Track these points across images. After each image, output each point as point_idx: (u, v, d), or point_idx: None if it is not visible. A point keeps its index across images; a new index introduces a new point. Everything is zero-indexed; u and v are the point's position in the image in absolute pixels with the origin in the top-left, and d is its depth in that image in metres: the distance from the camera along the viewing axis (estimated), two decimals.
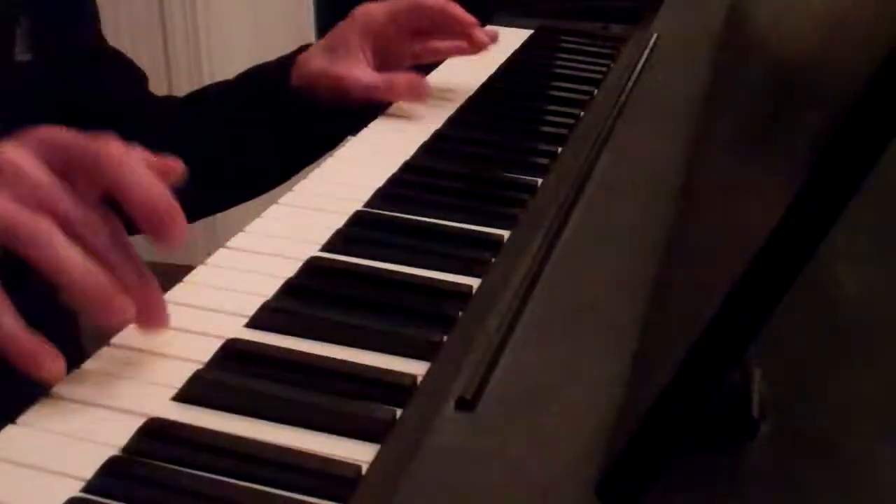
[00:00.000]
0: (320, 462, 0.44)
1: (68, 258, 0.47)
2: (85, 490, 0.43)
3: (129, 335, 0.52)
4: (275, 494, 0.43)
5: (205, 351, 0.52)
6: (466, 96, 0.92)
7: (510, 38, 1.09)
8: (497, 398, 0.47)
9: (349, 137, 0.85)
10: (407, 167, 0.76)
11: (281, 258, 0.62)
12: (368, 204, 0.70)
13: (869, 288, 0.52)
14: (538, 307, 0.55)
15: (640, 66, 0.93)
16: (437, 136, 0.83)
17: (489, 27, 0.98)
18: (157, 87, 0.98)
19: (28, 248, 0.46)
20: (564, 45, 1.09)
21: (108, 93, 0.88)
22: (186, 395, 0.49)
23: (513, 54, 1.05)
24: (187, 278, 0.59)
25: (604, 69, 0.99)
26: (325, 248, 0.63)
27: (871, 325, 0.50)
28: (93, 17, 0.88)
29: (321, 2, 2.22)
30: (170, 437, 0.46)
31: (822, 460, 0.41)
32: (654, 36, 1.00)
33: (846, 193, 0.31)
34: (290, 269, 0.60)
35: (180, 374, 0.50)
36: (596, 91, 0.93)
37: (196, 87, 1.02)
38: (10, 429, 0.46)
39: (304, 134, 0.90)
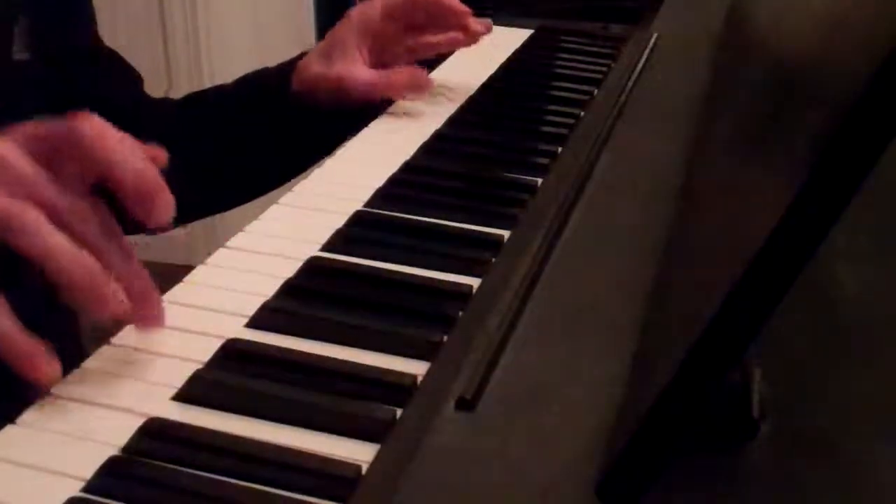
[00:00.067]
0: (320, 462, 0.44)
1: (56, 245, 0.46)
2: (85, 490, 0.43)
3: (129, 334, 0.52)
4: (275, 494, 0.43)
5: (205, 351, 0.52)
6: (466, 96, 0.92)
7: (510, 38, 1.09)
8: (497, 398, 0.47)
9: (349, 137, 0.85)
10: (407, 167, 0.76)
11: (281, 258, 0.62)
12: (368, 204, 0.70)
13: (869, 288, 0.52)
14: (538, 307, 0.55)
15: (640, 66, 0.93)
16: (437, 136, 0.83)
17: (484, 19, 0.98)
18: (157, 87, 0.98)
19: (16, 237, 0.46)
20: (564, 45, 1.09)
21: (105, 93, 0.88)
22: (186, 395, 0.49)
23: (513, 54, 1.05)
24: (187, 278, 0.59)
25: (604, 69, 0.99)
26: (325, 248, 0.63)
27: (871, 325, 0.50)
28: (90, 18, 0.88)
29: (321, 2, 2.22)
30: (170, 437, 0.46)
31: (822, 460, 0.41)
32: (654, 36, 1.00)
33: (846, 193, 0.31)
34: (290, 269, 0.60)
35: (180, 374, 0.50)
36: (596, 91, 0.93)
37: (196, 87, 1.02)
38: (10, 429, 0.46)
39: (304, 138, 0.90)
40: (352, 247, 0.63)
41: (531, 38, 1.12)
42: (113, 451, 0.45)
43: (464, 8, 0.92)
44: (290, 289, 0.58)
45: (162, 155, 0.51)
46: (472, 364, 0.49)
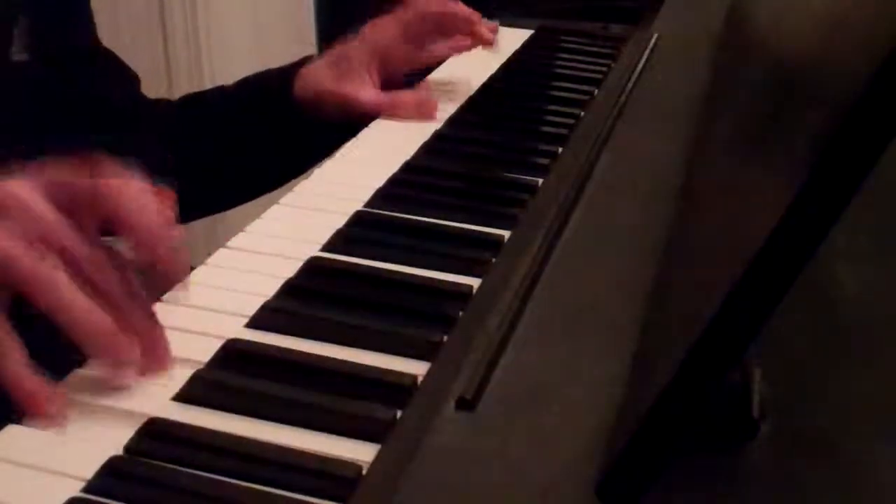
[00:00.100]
0: (320, 462, 0.44)
1: (73, 301, 0.47)
2: (85, 490, 0.43)
3: None
4: (275, 494, 0.43)
5: (205, 351, 0.52)
6: (467, 96, 0.92)
7: (510, 38, 1.09)
8: (497, 398, 0.47)
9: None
10: (407, 167, 0.76)
11: (281, 258, 0.62)
12: (369, 204, 0.70)
13: (869, 288, 0.52)
14: (538, 307, 0.55)
15: (640, 66, 0.93)
16: (438, 136, 0.83)
17: (490, 24, 0.98)
18: (157, 87, 0.98)
19: (31, 289, 0.47)
20: (565, 45, 1.09)
21: (103, 94, 0.88)
22: (186, 395, 0.49)
23: (513, 54, 1.05)
24: (187, 278, 0.59)
25: (604, 69, 0.99)
26: (325, 248, 0.63)
27: (871, 325, 0.50)
28: (88, 18, 0.88)
29: (321, 2, 2.21)
30: (170, 437, 0.46)
31: (822, 460, 0.41)
32: (655, 36, 1.00)
33: (846, 193, 0.31)
34: (290, 269, 0.60)
35: (180, 374, 0.50)
36: (596, 91, 0.93)
37: (196, 87, 1.02)
38: (10, 429, 0.46)
39: (303, 141, 0.90)
40: (352, 247, 0.63)
41: (531, 38, 1.12)
42: (113, 451, 0.45)
43: (474, 15, 0.92)
44: (290, 289, 0.58)
45: (171, 197, 0.52)
46: (472, 364, 0.49)
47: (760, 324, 0.33)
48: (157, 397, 0.49)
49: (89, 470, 0.43)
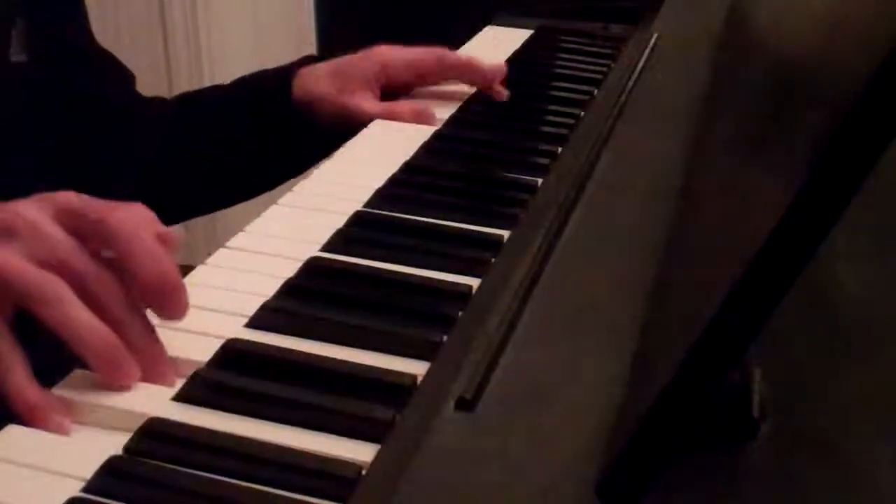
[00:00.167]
0: (320, 462, 0.44)
1: (78, 318, 0.47)
2: (85, 490, 0.42)
3: None
4: (275, 494, 0.43)
5: (205, 351, 0.52)
6: (466, 96, 0.92)
7: (510, 38, 1.09)
8: (497, 398, 0.47)
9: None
10: (407, 167, 0.76)
11: (281, 258, 0.62)
12: (368, 204, 0.70)
13: (869, 288, 0.52)
14: (538, 307, 0.55)
15: (640, 66, 0.93)
16: (438, 136, 0.83)
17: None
18: (158, 86, 0.98)
19: (39, 307, 0.47)
20: (564, 45, 1.09)
21: (101, 93, 0.88)
22: (186, 395, 0.49)
23: (513, 54, 1.05)
24: (187, 278, 0.59)
25: (604, 69, 0.99)
26: (325, 248, 0.63)
27: (871, 325, 0.50)
28: (84, 17, 0.88)
29: (321, 2, 2.22)
30: (170, 437, 0.46)
31: (822, 460, 0.41)
32: (654, 36, 1.00)
33: (846, 193, 0.31)
34: (290, 269, 0.60)
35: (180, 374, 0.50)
36: (596, 91, 0.93)
37: (196, 87, 1.02)
38: (10, 429, 0.46)
39: (300, 142, 0.90)
40: (352, 247, 0.63)
41: (531, 38, 1.12)
42: (113, 451, 0.45)
43: (495, 73, 0.91)
44: (290, 289, 0.58)
45: (176, 237, 0.52)
46: (472, 364, 0.49)
47: (760, 324, 0.33)
48: (157, 397, 0.49)
49: (89, 470, 0.43)
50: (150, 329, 0.50)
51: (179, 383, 0.50)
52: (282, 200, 0.71)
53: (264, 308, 0.56)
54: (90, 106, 0.87)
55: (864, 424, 0.43)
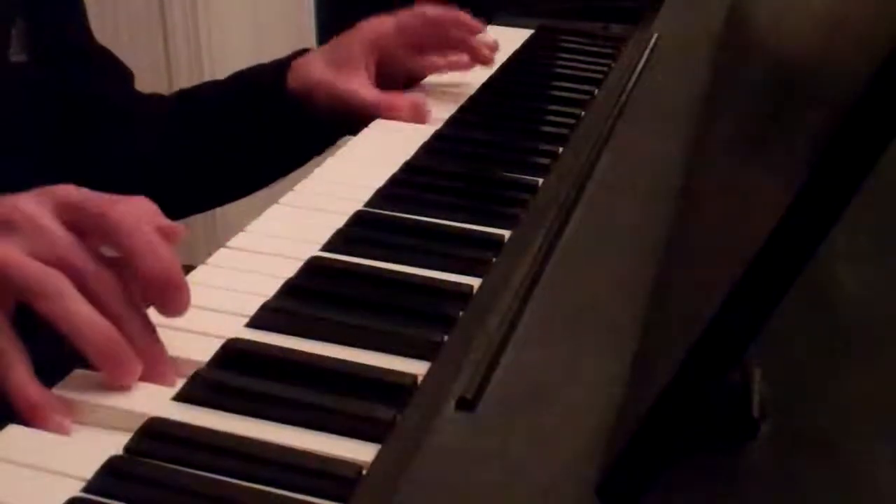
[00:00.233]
0: (320, 462, 0.44)
1: (79, 313, 0.47)
2: (85, 490, 0.42)
3: None
4: (275, 494, 0.43)
5: (205, 351, 0.52)
6: (467, 96, 0.92)
7: (510, 38, 1.09)
8: (497, 398, 0.47)
9: (349, 137, 0.85)
10: (407, 167, 0.76)
11: (281, 258, 0.62)
12: (369, 204, 0.70)
13: (869, 288, 0.52)
14: (538, 307, 0.55)
15: (640, 66, 0.93)
16: (438, 136, 0.83)
17: (488, 35, 0.98)
18: (158, 86, 0.98)
19: (40, 302, 0.47)
20: (565, 45, 1.09)
21: (100, 91, 0.88)
22: (186, 395, 0.49)
23: (513, 54, 1.05)
24: (188, 278, 0.59)
25: (604, 69, 0.99)
26: (325, 248, 0.63)
27: (871, 325, 0.50)
28: (83, 16, 0.88)
29: (321, 2, 2.21)
30: (170, 437, 0.46)
31: (822, 460, 0.41)
32: (655, 36, 1.00)
33: (846, 193, 0.31)
34: (290, 269, 0.60)
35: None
36: (596, 91, 0.93)
37: None
38: (10, 429, 0.46)
39: (298, 134, 0.90)
40: (352, 247, 0.63)
41: (531, 38, 1.12)
42: (113, 451, 0.45)
43: (473, 22, 0.92)
44: (290, 289, 0.58)
45: (180, 231, 0.52)
46: (472, 364, 0.49)
47: (760, 324, 0.33)
48: (157, 397, 0.49)
49: (89, 470, 0.43)
50: (151, 328, 0.50)
51: (180, 383, 0.50)
52: (282, 200, 0.71)
53: (265, 308, 0.56)
54: (89, 105, 0.87)
55: (864, 424, 0.43)
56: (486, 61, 0.95)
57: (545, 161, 0.77)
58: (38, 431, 0.46)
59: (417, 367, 0.51)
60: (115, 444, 0.45)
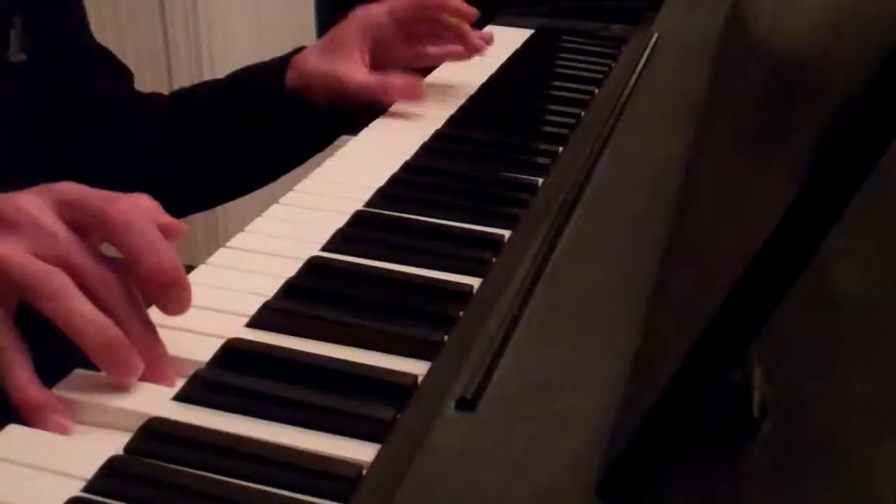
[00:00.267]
0: (320, 462, 0.44)
1: (80, 312, 0.47)
2: (85, 490, 0.43)
3: None
4: (275, 494, 0.43)
5: (205, 351, 0.52)
6: (467, 96, 0.92)
7: (510, 38, 1.09)
8: (497, 398, 0.47)
9: (349, 137, 0.85)
10: (407, 167, 0.76)
11: (281, 258, 0.62)
12: (369, 203, 0.70)
13: (869, 288, 0.52)
14: (539, 307, 0.55)
15: (640, 66, 0.93)
16: (438, 136, 0.83)
17: (486, 29, 0.98)
18: (158, 86, 0.98)
19: (42, 301, 0.47)
20: (565, 44, 1.09)
21: (100, 91, 0.88)
22: (186, 394, 0.49)
23: (513, 54, 1.05)
24: (188, 278, 0.59)
25: (604, 69, 0.99)
26: (325, 248, 0.63)
27: (871, 325, 0.50)
28: (82, 15, 0.89)
29: (322, 2, 2.21)
30: (170, 437, 0.46)
31: (822, 460, 0.41)
32: (655, 36, 1.00)
33: (846, 193, 0.31)
34: (290, 269, 0.60)
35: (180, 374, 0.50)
36: (596, 91, 0.93)
37: None
38: (10, 429, 0.46)
39: (296, 133, 0.90)
40: (352, 247, 0.63)
41: (531, 38, 1.12)
42: (113, 451, 0.45)
43: (464, 7, 0.93)
44: (290, 289, 0.58)
45: (182, 228, 0.52)
46: (472, 364, 0.49)
47: (760, 324, 0.33)
48: (157, 397, 0.49)
49: (89, 470, 0.43)
50: (151, 328, 0.50)
51: (180, 383, 0.50)
52: (282, 200, 0.71)
53: (265, 308, 0.56)
54: (89, 104, 0.87)
55: (864, 424, 0.43)
56: (477, 49, 0.95)
57: (545, 161, 0.77)
58: (38, 431, 0.46)
59: (417, 367, 0.51)
60: (115, 444, 0.45)
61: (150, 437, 0.46)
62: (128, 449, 0.45)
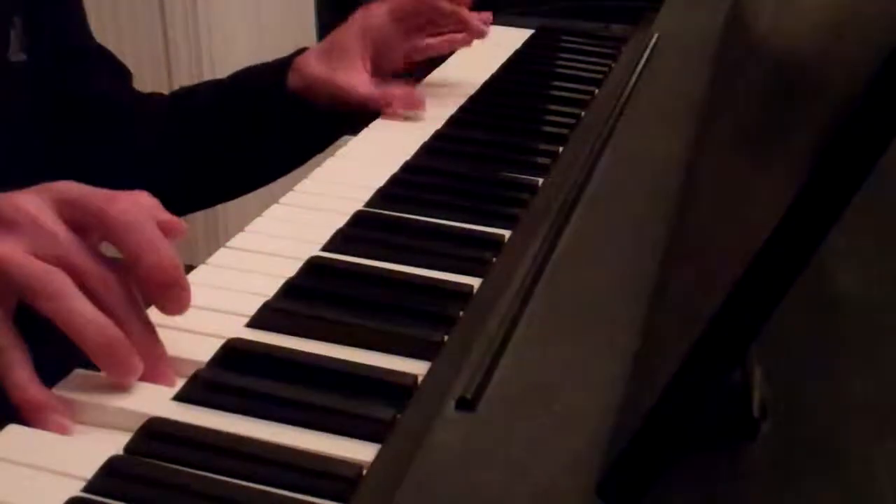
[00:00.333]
0: (320, 462, 0.44)
1: (80, 312, 0.47)
2: (86, 490, 0.43)
3: None
4: (275, 494, 0.43)
5: (205, 351, 0.52)
6: (467, 96, 0.92)
7: (510, 38, 1.09)
8: (497, 398, 0.47)
9: (349, 137, 0.85)
10: (407, 167, 0.76)
11: (281, 258, 0.62)
12: (369, 204, 0.70)
13: (869, 288, 0.52)
14: (539, 307, 0.55)
15: (640, 66, 0.93)
16: (438, 136, 0.83)
17: (483, 13, 0.98)
18: (158, 86, 0.98)
19: (42, 301, 0.47)
20: (565, 45, 1.09)
21: (99, 91, 0.88)
22: (186, 394, 0.49)
23: (513, 54, 1.05)
24: (188, 278, 0.59)
25: (604, 69, 0.99)
26: (325, 248, 0.63)
27: (871, 325, 0.50)
28: (82, 15, 0.89)
29: (323, 2, 2.21)
30: (170, 437, 0.46)
31: (822, 460, 0.41)
32: (655, 36, 1.00)
33: (846, 193, 0.31)
34: (290, 269, 0.60)
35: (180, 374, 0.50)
36: (597, 91, 0.93)
37: None
38: (10, 429, 0.46)
39: (297, 134, 0.90)
40: (352, 247, 0.63)
41: (531, 38, 1.12)
42: (113, 451, 0.45)
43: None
44: (290, 289, 0.58)
45: (182, 227, 0.52)
46: (473, 364, 0.49)
47: (760, 324, 0.33)
48: (157, 397, 0.49)
49: (89, 470, 0.43)
50: (151, 328, 0.50)
51: (180, 383, 0.50)
52: (282, 200, 0.71)
53: (265, 308, 0.56)
54: (89, 104, 0.87)
55: (864, 424, 0.43)
56: (479, 32, 0.95)
57: (545, 161, 0.77)
58: (38, 431, 0.46)
59: (417, 367, 0.51)
60: (115, 444, 0.45)
61: (150, 437, 0.46)
62: (128, 449, 0.45)
